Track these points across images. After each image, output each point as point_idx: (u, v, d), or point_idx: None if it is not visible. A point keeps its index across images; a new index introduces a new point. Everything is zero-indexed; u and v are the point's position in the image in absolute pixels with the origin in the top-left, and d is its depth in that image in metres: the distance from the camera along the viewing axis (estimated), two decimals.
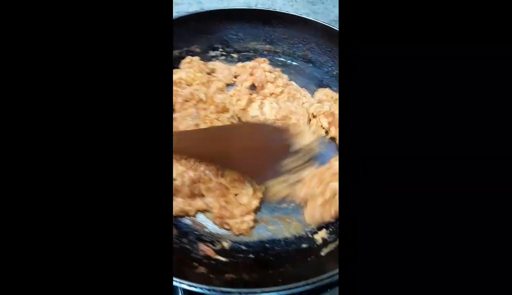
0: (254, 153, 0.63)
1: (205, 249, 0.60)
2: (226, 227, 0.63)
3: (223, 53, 0.93)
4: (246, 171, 0.64)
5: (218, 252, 0.60)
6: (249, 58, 0.92)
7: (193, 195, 0.65)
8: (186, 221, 0.65)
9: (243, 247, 0.62)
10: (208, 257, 0.59)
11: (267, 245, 0.62)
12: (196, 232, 0.64)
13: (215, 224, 0.64)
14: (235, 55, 0.93)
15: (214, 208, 0.64)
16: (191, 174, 0.64)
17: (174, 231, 0.63)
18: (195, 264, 0.56)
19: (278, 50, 0.93)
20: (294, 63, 0.92)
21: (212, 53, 0.92)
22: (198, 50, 0.91)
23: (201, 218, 0.65)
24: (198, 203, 0.65)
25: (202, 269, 0.55)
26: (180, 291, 0.58)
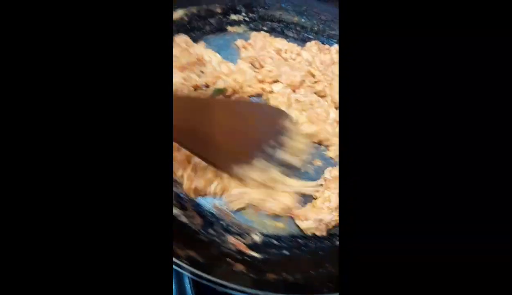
0: (236, 135, 0.56)
1: (235, 242, 0.53)
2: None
3: (246, 19, 0.82)
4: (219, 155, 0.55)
5: (249, 246, 0.54)
6: (274, 29, 0.82)
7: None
8: (211, 208, 0.57)
9: (275, 242, 0.56)
10: (241, 252, 0.52)
11: (299, 240, 0.57)
12: (222, 222, 0.56)
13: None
14: (258, 23, 0.82)
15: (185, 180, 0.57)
16: None
17: (199, 220, 0.55)
18: (229, 259, 0.49)
19: (306, 26, 0.84)
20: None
21: (233, 16, 0.81)
22: (218, 10, 0.79)
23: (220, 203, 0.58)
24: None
25: (240, 267, 0.48)
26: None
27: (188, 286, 0.54)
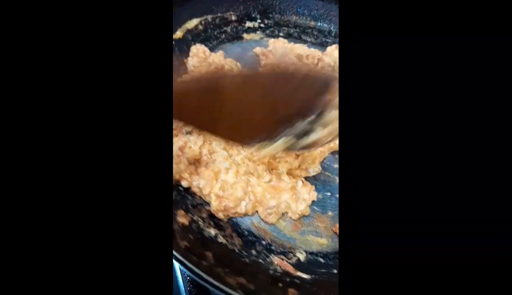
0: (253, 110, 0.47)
1: (281, 263, 0.49)
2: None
3: (261, 25, 0.79)
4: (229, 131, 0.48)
5: (295, 266, 0.49)
6: (290, 35, 0.79)
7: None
8: (248, 224, 0.53)
9: (321, 260, 0.52)
10: (288, 274, 0.47)
11: None
12: (263, 241, 0.52)
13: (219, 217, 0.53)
14: (274, 30, 0.80)
15: (213, 200, 0.53)
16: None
17: (238, 240, 0.50)
18: (280, 284, 0.45)
19: (323, 29, 0.82)
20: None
21: (249, 23, 0.78)
22: (233, 18, 0.76)
23: (257, 220, 0.54)
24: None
25: (293, 292, 0.44)
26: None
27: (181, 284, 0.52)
